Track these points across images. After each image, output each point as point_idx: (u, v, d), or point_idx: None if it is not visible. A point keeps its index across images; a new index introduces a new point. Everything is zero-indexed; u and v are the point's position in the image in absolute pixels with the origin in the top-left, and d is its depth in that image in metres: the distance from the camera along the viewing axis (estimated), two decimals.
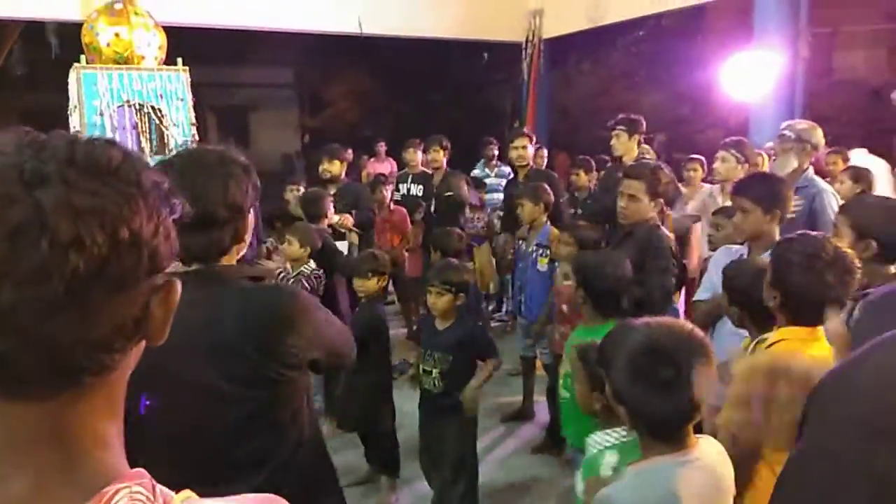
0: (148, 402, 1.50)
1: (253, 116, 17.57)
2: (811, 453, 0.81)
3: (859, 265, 1.90)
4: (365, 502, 3.62)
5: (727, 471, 1.52)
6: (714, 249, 3.34)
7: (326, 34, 10.07)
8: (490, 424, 4.51)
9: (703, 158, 5.57)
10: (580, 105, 12.06)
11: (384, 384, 3.59)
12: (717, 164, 4.56)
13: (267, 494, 0.76)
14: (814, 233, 2.04)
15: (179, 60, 5.79)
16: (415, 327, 4.88)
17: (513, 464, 4.10)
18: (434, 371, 3.16)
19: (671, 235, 3.34)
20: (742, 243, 2.86)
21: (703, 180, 5.45)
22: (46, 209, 0.58)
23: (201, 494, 0.71)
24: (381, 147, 10.39)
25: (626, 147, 4.43)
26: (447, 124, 12.65)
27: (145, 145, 5.67)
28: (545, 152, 7.13)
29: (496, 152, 7.23)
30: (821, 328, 1.94)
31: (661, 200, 3.35)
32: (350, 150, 10.72)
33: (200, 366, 1.51)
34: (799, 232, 1.98)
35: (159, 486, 0.67)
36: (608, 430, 1.94)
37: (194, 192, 1.48)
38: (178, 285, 0.71)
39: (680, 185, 5.14)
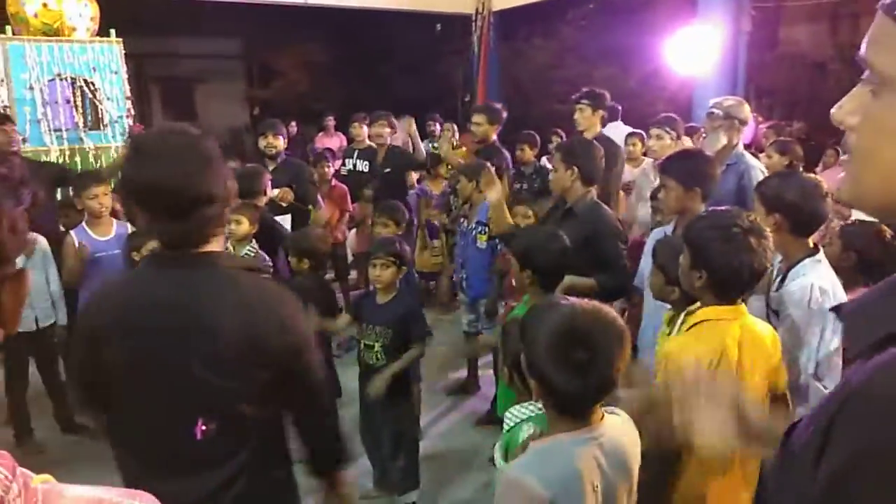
0: None
1: (199, 88, 17.09)
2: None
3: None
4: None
5: (633, 447, 1.56)
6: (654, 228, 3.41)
7: (274, 3, 9.82)
8: (436, 398, 4.57)
9: (642, 133, 5.63)
10: (531, 78, 12.06)
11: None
12: (650, 142, 4.63)
13: (137, 491, 0.76)
14: (722, 207, 2.10)
15: (112, 32, 5.61)
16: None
17: (455, 436, 4.16)
18: (376, 345, 3.18)
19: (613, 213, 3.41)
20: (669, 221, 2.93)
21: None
22: None
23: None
24: (330, 122, 10.26)
25: (590, 121, 4.39)
26: (398, 97, 12.55)
27: (79, 120, 5.51)
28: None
29: (438, 128, 7.27)
30: (744, 305, 2.00)
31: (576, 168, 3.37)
32: (294, 124, 10.58)
33: (178, 346, 1.51)
34: (708, 209, 2.02)
35: (20, 468, 0.68)
36: (525, 403, 1.98)
37: (169, 179, 1.48)
38: (28, 275, 0.72)
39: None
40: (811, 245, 2.35)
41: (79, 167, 5.33)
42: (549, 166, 5.08)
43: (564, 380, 1.44)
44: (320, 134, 10.06)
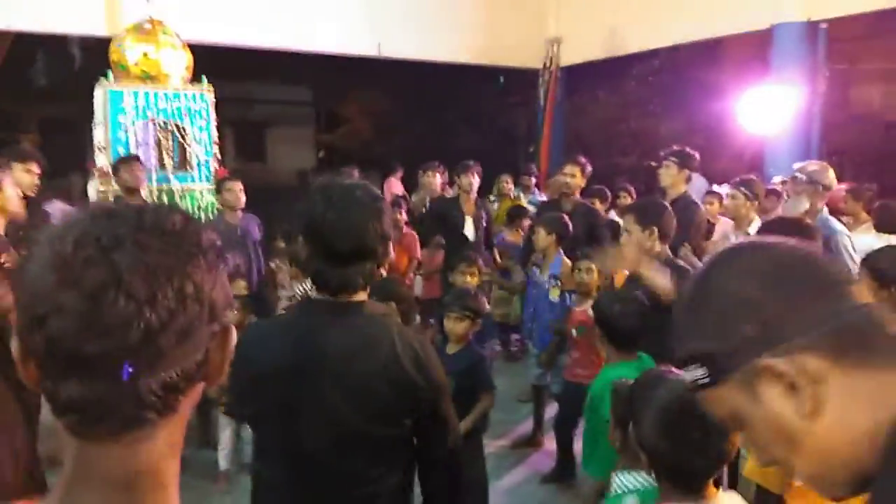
0: None
1: (270, 133, 17.76)
2: None
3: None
4: None
5: None
6: None
7: (346, 56, 10.18)
8: (499, 450, 4.53)
9: (721, 192, 5.58)
10: (594, 132, 12.13)
11: None
12: (727, 202, 4.58)
13: None
14: None
15: (204, 79, 5.90)
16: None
17: (523, 491, 4.11)
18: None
19: None
20: None
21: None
22: (122, 269, 0.65)
23: None
24: (398, 169, 10.47)
25: (675, 179, 4.35)
26: (460, 147, 12.76)
27: (167, 162, 5.77)
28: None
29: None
30: None
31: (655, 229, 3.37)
32: (356, 171, 10.85)
33: (334, 395, 1.61)
34: None
35: None
36: (636, 473, 1.96)
37: (353, 228, 1.61)
38: (234, 332, 0.77)
39: None
40: None
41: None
42: (619, 221, 5.11)
43: (678, 456, 1.43)
44: (391, 179, 10.23)
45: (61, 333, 0.64)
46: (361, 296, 1.70)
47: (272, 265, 5.39)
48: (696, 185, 8.64)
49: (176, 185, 5.75)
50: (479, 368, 3.27)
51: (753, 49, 8.53)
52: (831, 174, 3.66)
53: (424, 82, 13.82)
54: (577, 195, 5.02)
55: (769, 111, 7.77)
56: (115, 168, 4.92)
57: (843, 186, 7.30)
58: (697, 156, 4.60)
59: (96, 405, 0.66)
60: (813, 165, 3.71)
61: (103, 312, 0.64)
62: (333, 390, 1.63)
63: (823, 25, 7.71)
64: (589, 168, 5.09)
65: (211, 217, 5.55)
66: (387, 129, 16.67)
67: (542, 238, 4.27)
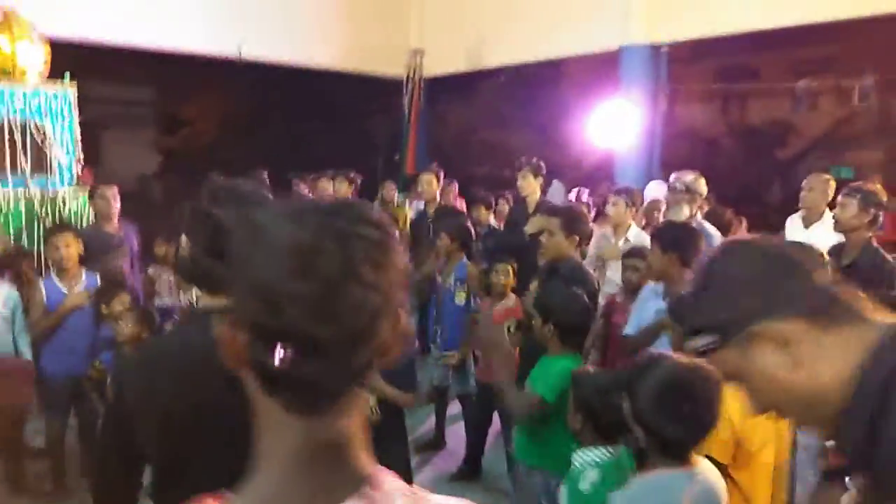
0: None
1: (105, 134, 16.49)
2: None
3: None
4: None
5: (722, 486, 1.77)
6: (633, 289, 3.69)
7: (201, 55, 9.73)
8: None
9: (587, 201, 6.04)
10: (453, 142, 12.54)
11: None
12: (608, 208, 4.99)
13: None
14: None
15: (67, 75, 5.47)
16: None
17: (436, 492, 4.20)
18: (371, 399, 3.24)
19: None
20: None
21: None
22: (356, 260, 0.72)
23: None
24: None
25: (532, 187, 4.76)
26: (320, 152, 12.64)
27: (25, 166, 5.27)
28: (455, 187, 7.43)
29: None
30: None
31: (577, 238, 3.68)
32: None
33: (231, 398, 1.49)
34: None
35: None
36: (593, 449, 2.15)
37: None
38: (404, 312, 0.85)
39: None
40: None
41: (23, 213, 5.10)
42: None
43: (672, 428, 1.64)
44: None
45: (296, 319, 0.69)
46: None
47: (149, 272, 5.09)
48: (555, 189, 9.25)
49: (35, 189, 5.25)
50: (407, 369, 3.34)
51: (603, 68, 9.26)
52: (703, 183, 4.13)
53: (281, 86, 13.52)
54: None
55: (618, 126, 8.49)
56: None
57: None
58: (544, 165, 5.10)
59: (318, 382, 0.72)
60: (689, 175, 4.16)
61: (338, 300, 0.70)
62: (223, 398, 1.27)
63: (664, 49, 8.56)
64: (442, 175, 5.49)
65: (80, 225, 5.15)
66: (236, 133, 16.10)
67: (446, 244, 4.41)
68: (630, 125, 8.37)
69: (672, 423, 1.65)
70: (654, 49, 8.48)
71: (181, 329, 1.80)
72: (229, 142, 15.85)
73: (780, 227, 6.02)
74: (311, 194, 8.01)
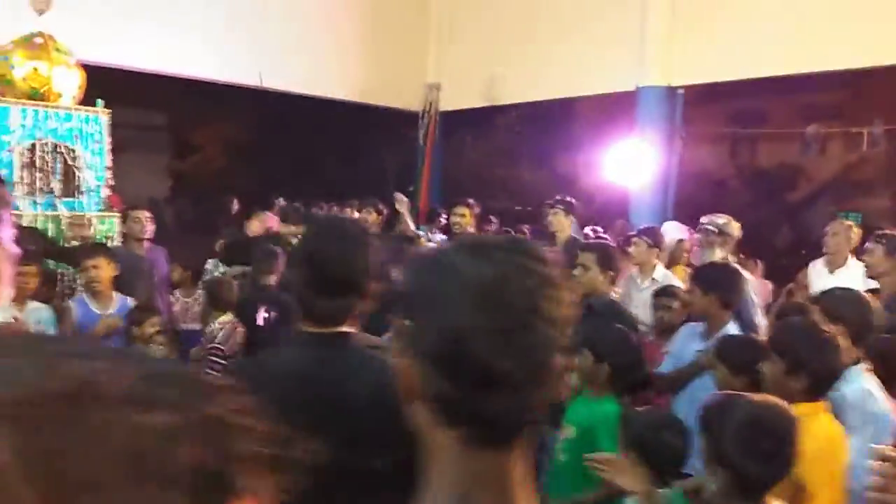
0: None
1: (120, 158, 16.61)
2: None
3: None
4: None
5: None
6: (664, 328, 3.71)
7: (223, 83, 9.87)
8: None
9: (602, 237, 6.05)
10: (468, 176, 12.65)
11: None
12: (631, 249, 4.97)
13: None
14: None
15: (101, 102, 5.54)
16: None
17: None
18: None
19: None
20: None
21: None
22: (537, 295, 0.74)
23: None
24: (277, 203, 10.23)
25: (563, 224, 4.78)
26: (329, 182, 12.75)
27: (54, 185, 5.32)
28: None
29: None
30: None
31: (612, 274, 3.70)
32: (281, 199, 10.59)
33: (328, 431, 1.55)
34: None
35: None
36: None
37: (344, 260, 1.63)
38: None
39: None
40: None
41: (50, 234, 5.14)
42: None
43: (754, 466, 1.64)
44: (268, 214, 9.96)
45: (481, 352, 0.71)
46: (347, 327, 1.72)
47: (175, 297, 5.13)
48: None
49: (64, 211, 5.28)
50: None
51: (619, 107, 9.40)
52: (735, 226, 4.17)
53: (292, 113, 13.68)
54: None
55: (633, 165, 8.58)
56: None
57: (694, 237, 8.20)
58: (577, 204, 5.12)
59: (499, 417, 0.74)
60: (721, 218, 4.20)
61: (523, 334, 0.72)
62: (327, 425, 1.61)
63: (680, 91, 8.69)
64: (477, 209, 5.48)
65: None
66: (247, 159, 16.25)
67: None
68: (646, 165, 8.46)
69: (755, 460, 1.65)
70: (671, 91, 8.61)
71: (285, 351, 1.89)
72: (239, 168, 16.00)
73: (790, 269, 6.09)
74: None
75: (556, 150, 11.40)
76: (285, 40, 9.57)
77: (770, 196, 12.70)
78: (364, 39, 10.48)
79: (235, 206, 11.61)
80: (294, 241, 5.34)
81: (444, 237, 7.66)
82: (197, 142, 17.63)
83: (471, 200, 5.41)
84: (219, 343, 4.09)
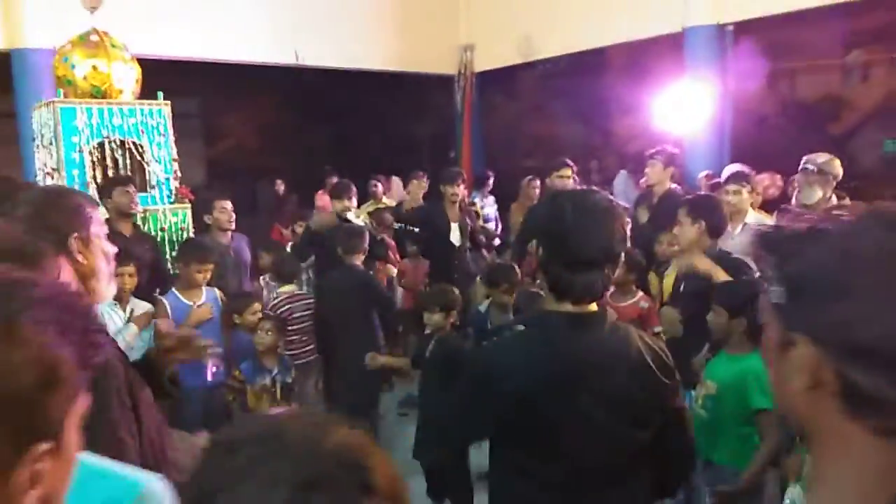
0: None
1: None
2: None
3: None
4: None
5: None
6: None
7: (259, 64, 9.81)
8: None
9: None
10: (503, 136, 12.46)
11: None
12: (730, 198, 4.65)
13: None
14: None
15: (160, 94, 5.51)
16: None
17: None
18: None
19: None
20: None
21: None
22: None
23: None
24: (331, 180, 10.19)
25: (661, 176, 4.62)
26: (371, 154, 12.66)
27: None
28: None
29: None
30: None
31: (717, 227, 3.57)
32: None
33: (596, 407, 1.67)
34: None
35: None
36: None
37: (605, 234, 1.64)
38: None
39: None
40: None
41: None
42: None
43: None
44: (321, 192, 9.92)
45: None
46: (593, 305, 1.71)
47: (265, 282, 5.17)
48: (622, 180, 9.09)
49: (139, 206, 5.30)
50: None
51: (665, 51, 9.11)
52: (837, 164, 4.00)
53: (325, 89, 13.53)
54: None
55: (686, 111, 8.33)
56: (106, 191, 4.48)
57: (765, 176, 8.00)
58: (678, 154, 4.87)
59: None
60: (821, 157, 4.02)
61: None
62: (594, 403, 1.67)
63: (729, 28, 8.39)
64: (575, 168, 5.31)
65: (175, 239, 5.22)
66: (277, 140, 16.18)
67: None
68: (699, 108, 8.21)
69: None
70: (720, 29, 8.31)
71: (518, 332, 1.94)
72: (277, 149, 15.94)
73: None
74: (385, 194, 8.02)
75: (601, 104, 11.13)
76: (319, 15, 9.44)
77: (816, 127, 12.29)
78: (396, 6, 10.29)
79: (281, 187, 11.65)
80: (349, 216, 5.31)
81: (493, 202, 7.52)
82: (231, 126, 17.59)
83: (568, 161, 5.30)
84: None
